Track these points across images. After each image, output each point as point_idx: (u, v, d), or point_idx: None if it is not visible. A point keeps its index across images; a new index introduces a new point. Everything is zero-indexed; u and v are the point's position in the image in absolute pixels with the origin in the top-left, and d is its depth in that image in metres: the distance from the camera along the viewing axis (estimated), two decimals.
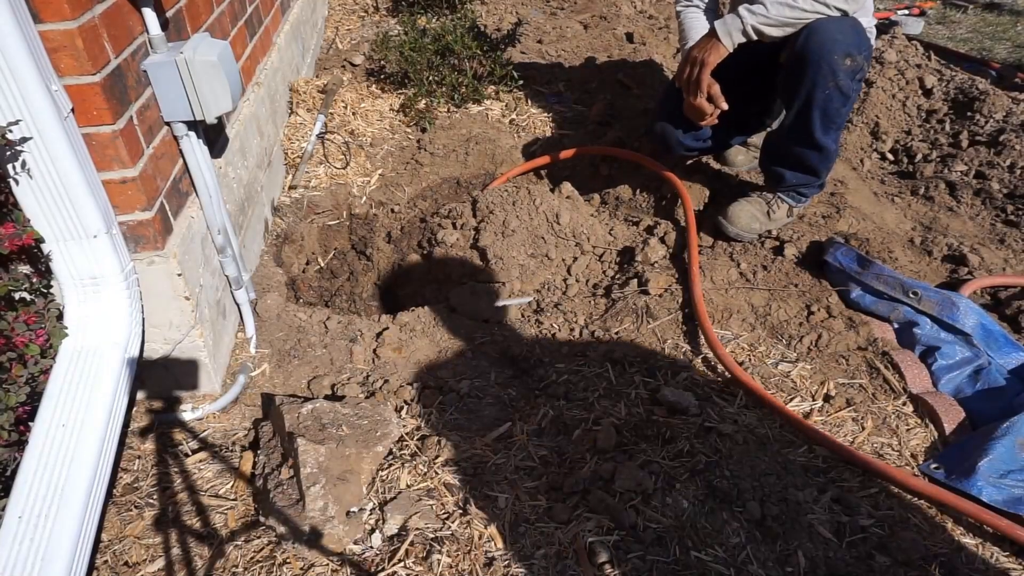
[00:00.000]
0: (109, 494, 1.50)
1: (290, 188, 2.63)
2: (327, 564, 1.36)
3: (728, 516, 1.39)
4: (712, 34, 1.96)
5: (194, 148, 1.67)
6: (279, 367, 1.89)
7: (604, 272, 2.27)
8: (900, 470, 1.51)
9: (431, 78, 3.04)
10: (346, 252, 2.71)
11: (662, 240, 2.30)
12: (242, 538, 1.43)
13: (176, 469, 1.59)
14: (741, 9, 1.91)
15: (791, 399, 1.68)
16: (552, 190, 2.44)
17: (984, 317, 1.82)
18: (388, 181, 2.81)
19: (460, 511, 1.44)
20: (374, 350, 1.97)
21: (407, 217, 2.74)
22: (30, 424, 1.33)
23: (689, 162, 2.64)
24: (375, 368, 1.93)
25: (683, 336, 1.91)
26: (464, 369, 1.89)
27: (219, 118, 1.88)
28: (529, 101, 3.10)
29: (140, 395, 1.73)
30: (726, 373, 1.76)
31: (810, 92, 1.93)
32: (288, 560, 1.37)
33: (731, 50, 1.96)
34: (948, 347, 1.79)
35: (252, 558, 1.39)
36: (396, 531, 1.40)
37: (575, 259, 2.29)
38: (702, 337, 1.87)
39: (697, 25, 2.21)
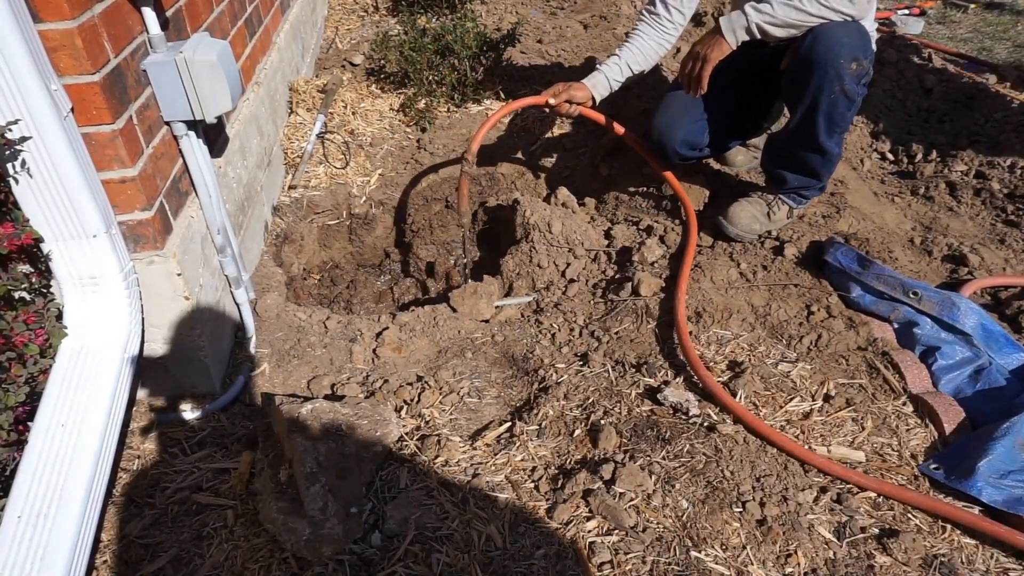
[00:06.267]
0: (109, 494, 1.50)
1: (290, 188, 2.63)
2: (327, 564, 1.35)
3: (728, 516, 1.39)
4: (716, 31, 1.95)
5: (194, 148, 1.67)
6: (279, 367, 1.89)
7: (604, 273, 2.26)
8: (883, 482, 1.51)
9: (431, 78, 3.04)
10: (343, 265, 2.71)
11: (661, 240, 2.30)
12: (241, 538, 1.43)
13: (176, 469, 1.59)
14: (747, 7, 1.90)
15: (791, 399, 1.68)
16: (547, 197, 2.43)
17: (984, 317, 1.82)
18: (388, 181, 2.80)
19: (460, 511, 1.44)
20: (374, 350, 1.97)
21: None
22: (29, 424, 1.33)
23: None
24: (375, 368, 1.93)
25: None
26: (464, 369, 1.89)
27: (219, 118, 1.88)
28: None
29: (140, 394, 1.73)
30: (720, 373, 1.76)
31: (816, 96, 1.93)
32: (287, 560, 1.37)
33: (734, 47, 1.94)
34: (948, 347, 1.79)
35: (252, 557, 1.39)
36: (396, 531, 1.40)
37: (568, 264, 2.29)
38: (692, 341, 1.87)
39: (635, 48, 2.30)
